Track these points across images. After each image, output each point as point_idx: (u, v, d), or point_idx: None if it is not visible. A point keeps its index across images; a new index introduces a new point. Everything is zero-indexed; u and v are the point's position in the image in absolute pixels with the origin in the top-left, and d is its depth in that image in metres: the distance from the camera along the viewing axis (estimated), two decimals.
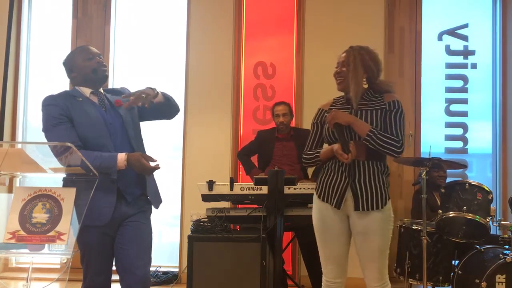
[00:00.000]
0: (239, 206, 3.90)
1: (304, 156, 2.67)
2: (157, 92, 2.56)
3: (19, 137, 5.12)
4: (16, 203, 2.09)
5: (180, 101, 4.84)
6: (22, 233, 2.05)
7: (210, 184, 3.39)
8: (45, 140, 2.43)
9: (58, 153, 2.26)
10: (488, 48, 4.99)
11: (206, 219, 3.32)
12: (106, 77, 2.59)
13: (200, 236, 3.18)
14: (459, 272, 3.54)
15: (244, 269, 3.11)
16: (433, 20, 5.02)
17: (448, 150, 4.93)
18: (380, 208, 2.46)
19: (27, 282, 2.10)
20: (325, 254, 2.59)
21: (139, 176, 2.51)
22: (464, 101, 4.95)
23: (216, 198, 3.41)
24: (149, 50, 5.20)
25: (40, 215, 2.07)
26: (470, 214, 3.45)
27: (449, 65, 4.99)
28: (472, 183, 3.57)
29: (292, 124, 4.41)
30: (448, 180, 4.13)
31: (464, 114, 4.95)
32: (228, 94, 4.87)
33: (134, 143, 2.54)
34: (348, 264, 2.61)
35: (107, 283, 2.52)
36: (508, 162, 4.83)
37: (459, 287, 3.53)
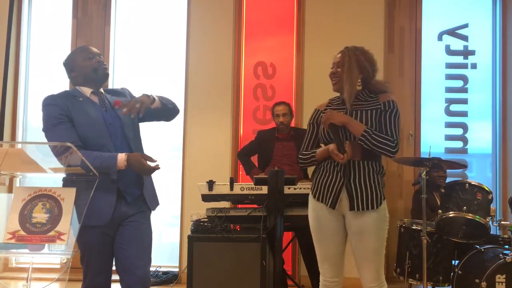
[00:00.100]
0: (239, 206, 3.90)
1: (300, 156, 2.68)
2: (154, 99, 2.55)
3: (19, 137, 5.12)
4: (16, 203, 2.09)
5: (180, 101, 4.88)
6: (22, 233, 2.05)
7: (210, 184, 3.39)
8: (45, 140, 2.43)
9: (58, 153, 2.26)
10: (488, 48, 4.99)
11: (206, 219, 3.32)
12: (107, 76, 2.59)
13: (200, 236, 3.18)
14: (459, 272, 3.54)
15: (244, 269, 3.11)
16: (433, 20, 5.02)
17: (448, 150, 4.93)
18: (375, 208, 2.46)
19: (27, 282, 2.10)
20: (321, 253, 2.60)
21: (139, 176, 2.51)
22: (464, 101, 4.95)
23: (216, 198, 3.41)
24: (149, 50, 5.20)
25: (40, 215, 2.07)
26: (470, 214, 3.45)
27: (449, 65, 4.99)
28: (472, 183, 3.57)
29: (292, 124, 4.41)
30: (448, 180, 4.13)
31: (464, 114, 4.95)
32: (228, 94, 4.87)
33: (133, 145, 2.54)
34: (346, 263, 2.61)
35: (107, 283, 2.52)
36: (508, 162, 4.83)
37: (459, 287, 3.53)
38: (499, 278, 3.34)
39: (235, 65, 4.90)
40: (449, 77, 4.99)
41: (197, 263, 3.14)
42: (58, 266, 4.70)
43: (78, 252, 2.35)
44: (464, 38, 4.99)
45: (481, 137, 4.94)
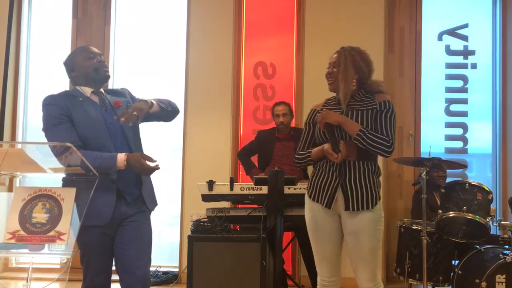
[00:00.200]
0: (239, 206, 3.90)
1: (296, 156, 2.69)
2: (152, 103, 2.54)
3: (19, 137, 5.12)
4: (16, 203, 2.09)
5: (180, 101, 4.88)
6: (22, 233, 2.05)
7: (210, 184, 3.39)
8: (45, 140, 2.43)
9: (58, 153, 2.26)
10: (488, 48, 4.99)
11: (206, 219, 3.32)
12: (108, 77, 2.59)
13: (200, 236, 3.18)
14: (459, 272, 3.54)
15: (244, 269, 3.11)
16: (433, 20, 5.02)
17: (448, 150, 4.93)
18: (370, 208, 2.47)
19: (27, 282, 2.10)
20: (318, 253, 2.61)
21: (139, 176, 2.51)
22: (464, 101, 4.95)
23: (216, 198, 3.41)
24: (149, 50, 5.20)
25: (40, 215, 2.07)
26: (470, 214, 3.45)
27: (449, 65, 4.99)
28: (472, 183, 3.57)
29: (292, 124, 4.42)
30: (448, 180, 4.13)
31: (464, 114, 4.95)
32: (228, 94, 4.87)
33: (133, 145, 2.54)
34: (345, 264, 2.62)
35: (107, 283, 2.52)
36: (508, 162, 4.83)
37: (459, 287, 3.53)
38: (499, 278, 3.34)
39: (235, 65, 4.89)
40: (449, 77, 4.99)
41: (197, 263, 3.14)
42: (58, 266, 4.70)
43: (78, 252, 2.35)
44: (464, 38, 4.99)
45: (481, 137, 4.94)
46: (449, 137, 4.95)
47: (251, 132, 4.76)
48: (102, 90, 2.60)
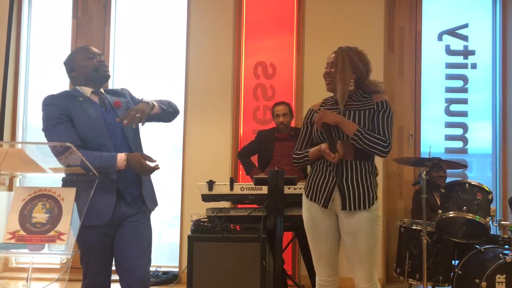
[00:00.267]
0: (239, 206, 3.90)
1: (293, 156, 2.70)
2: (153, 105, 2.55)
3: (19, 137, 5.12)
4: (16, 203, 2.09)
5: (180, 101, 4.88)
6: (22, 233, 2.05)
7: (210, 184, 3.39)
8: (45, 140, 2.43)
9: (58, 153, 2.26)
10: (488, 48, 4.99)
11: (206, 219, 3.32)
12: (108, 77, 2.59)
13: (200, 236, 3.18)
14: (459, 272, 3.54)
15: (244, 269, 3.11)
16: (433, 20, 5.02)
17: (448, 150, 4.93)
18: (367, 208, 2.47)
19: (27, 282, 2.10)
20: (316, 253, 2.62)
21: (139, 176, 2.51)
22: (464, 101, 4.95)
23: (216, 198, 3.41)
24: (149, 50, 5.20)
25: (40, 215, 2.07)
26: (470, 214, 3.45)
27: (449, 65, 4.99)
28: (472, 183, 3.57)
29: (292, 124, 4.42)
30: (448, 180, 4.13)
31: (464, 114, 4.95)
32: (228, 94, 4.87)
33: (133, 145, 2.54)
34: (343, 264, 2.62)
35: (106, 283, 2.52)
36: (508, 162, 4.83)
37: (459, 287, 3.53)
38: (499, 278, 3.34)
39: (235, 65, 4.90)
40: (449, 77, 4.99)
41: (197, 263, 3.14)
42: (58, 266, 4.70)
43: (78, 252, 2.35)
44: (464, 38, 4.99)
45: (481, 137, 4.94)
46: (449, 137, 4.95)
47: (251, 132, 4.76)
48: (102, 90, 2.60)
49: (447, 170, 4.22)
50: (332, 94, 2.66)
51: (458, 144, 4.94)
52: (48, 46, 5.23)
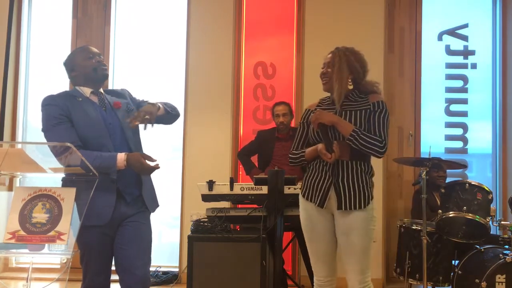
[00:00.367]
0: (239, 206, 3.90)
1: (290, 155, 2.71)
2: (159, 106, 2.57)
3: (19, 137, 5.12)
4: (16, 203, 2.09)
5: (180, 101, 4.88)
6: (22, 233, 2.05)
7: (210, 184, 3.39)
8: (45, 140, 2.43)
9: (58, 153, 2.26)
10: (488, 48, 4.99)
11: (206, 219, 3.32)
12: (106, 76, 2.59)
13: (200, 236, 3.18)
14: (459, 272, 3.54)
15: (244, 269, 3.11)
16: (433, 20, 5.02)
17: (448, 150, 4.93)
18: (362, 208, 2.48)
19: (27, 282, 2.10)
20: (313, 253, 2.62)
21: (139, 176, 2.51)
22: (464, 101, 4.95)
23: (216, 198, 3.41)
24: (149, 50, 5.20)
25: (40, 215, 2.07)
26: (470, 214, 3.45)
27: (449, 65, 4.99)
28: (472, 183, 3.57)
29: (292, 124, 4.41)
30: (448, 180, 4.13)
31: (464, 114, 4.95)
32: (228, 94, 4.87)
33: (132, 145, 2.54)
34: (341, 263, 2.61)
35: (106, 283, 2.52)
36: (508, 162, 4.83)
37: (459, 287, 3.53)
38: (499, 278, 3.34)
39: (235, 65, 4.89)
40: (449, 77, 4.99)
41: (197, 263, 3.14)
42: (58, 266, 4.70)
43: (78, 252, 2.35)
44: (464, 38, 4.99)
45: (481, 137, 4.94)
46: (449, 137, 4.95)
47: (251, 132, 4.76)
48: (101, 90, 2.60)
49: (447, 170, 4.22)
50: (329, 94, 2.66)
51: (458, 144, 4.94)
52: (48, 46, 5.23)
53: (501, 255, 3.40)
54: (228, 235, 3.16)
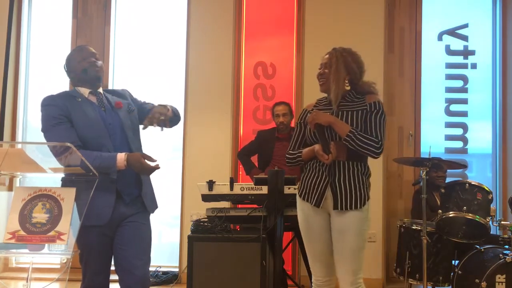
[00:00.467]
0: (239, 206, 3.90)
1: (287, 156, 2.71)
2: (168, 108, 2.58)
3: (19, 137, 5.12)
4: (16, 203, 2.09)
5: (180, 101, 4.89)
6: (22, 233, 2.05)
7: (210, 184, 3.39)
8: (45, 140, 2.43)
9: (58, 153, 2.26)
10: (488, 48, 4.99)
11: (206, 219, 3.32)
12: (98, 78, 2.55)
13: (200, 236, 3.17)
14: (459, 272, 3.54)
15: (244, 269, 3.11)
16: (433, 20, 5.02)
17: (448, 150, 4.93)
18: (358, 208, 2.48)
19: (27, 282, 2.10)
20: (311, 253, 2.64)
21: (138, 176, 2.51)
22: (464, 101, 4.95)
23: (216, 198, 3.41)
24: (149, 50, 5.20)
25: (40, 215, 2.07)
26: (470, 214, 3.45)
27: (449, 65, 4.99)
28: (472, 183, 3.57)
29: (292, 124, 4.41)
30: (448, 180, 4.13)
31: (464, 114, 4.95)
32: (228, 94, 4.87)
33: (133, 145, 2.54)
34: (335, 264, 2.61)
35: (106, 282, 2.52)
36: (508, 162, 4.83)
37: (459, 287, 3.53)
38: (499, 278, 3.34)
39: (235, 65, 4.89)
40: (449, 77, 4.99)
41: (197, 263, 3.14)
42: (58, 266, 4.70)
43: (77, 252, 2.35)
44: (464, 38, 4.99)
45: (481, 137, 4.94)
46: (449, 137, 4.95)
47: (251, 132, 4.76)
48: (100, 90, 2.60)
49: (447, 170, 4.22)
50: (326, 95, 2.67)
51: (458, 144, 4.94)
52: (48, 46, 5.23)
53: (501, 255, 3.40)
54: (228, 235, 3.16)
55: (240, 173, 4.79)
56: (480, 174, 4.94)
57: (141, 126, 2.59)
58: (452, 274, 3.61)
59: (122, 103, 2.59)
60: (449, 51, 5.00)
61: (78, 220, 2.12)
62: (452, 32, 5.01)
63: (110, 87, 4.95)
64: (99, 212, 2.35)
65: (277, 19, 4.93)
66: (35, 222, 2.06)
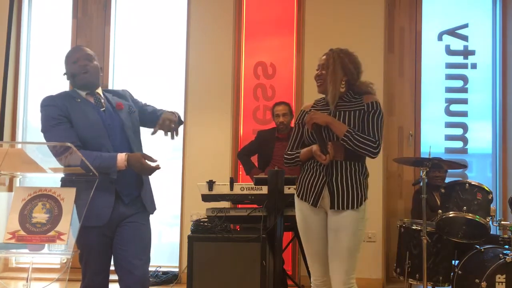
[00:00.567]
0: (239, 206, 3.90)
1: (285, 156, 2.72)
2: (176, 115, 2.61)
3: (19, 137, 5.12)
4: (16, 203, 2.09)
5: (180, 101, 4.89)
6: (22, 233, 2.05)
7: (210, 184, 3.39)
8: (44, 141, 2.43)
9: (58, 153, 2.26)
10: (488, 48, 4.99)
11: (206, 219, 3.32)
12: (87, 84, 2.51)
13: (200, 236, 3.18)
14: (459, 272, 3.54)
15: (244, 269, 3.11)
16: (433, 20, 5.02)
17: (448, 150, 4.93)
18: (355, 208, 2.48)
19: (27, 282, 2.10)
20: (310, 253, 2.64)
21: (138, 177, 2.51)
22: (464, 101, 4.95)
23: (216, 198, 3.41)
24: (149, 50, 5.20)
25: (40, 215, 2.07)
26: (470, 214, 3.45)
27: (449, 65, 4.99)
28: (472, 183, 3.57)
29: (292, 124, 4.41)
30: (448, 180, 4.12)
31: (464, 114, 4.95)
32: (228, 94, 4.87)
33: (134, 146, 2.54)
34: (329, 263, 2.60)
35: (105, 282, 2.52)
36: (508, 162, 4.83)
37: (459, 287, 3.53)
38: (499, 278, 3.34)
39: (235, 65, 4.89)
40: (449, 77, 4.99)
41: (197, 263, 3.14)
42: (58, 266, 4.70)
43: (77, 252, 2.35)
44: (464, 38, 4.99)
45: (481, 137, 4.94)
46: (449, 137, 4.95)
47: (251, 132, 4.76)
48: (99, 91, 2.58)
49: (448, 170, 4.22)
50: (324, 95, 2.67)
51: (458, 144, 4.94)
52: (48, 46, 5.23)
53: (501, 255, 3.40)
54: (228, 235, 3.16)
55: (240, 173, 4.79)
56: (480, 174, 4.94)
57: (149, 130, 2.58)
58: (452, 274, 3.61)
59: (123, 105, 2.59)
60: (449, 51, 5.00)
61: (78, 221, 2.11)
62: (452, 32, 5.01)
63: (110, 87, 4.95)
64: (99, 212, 2.35)
65: (277, 19, 4.93)
66: (35, 222, 2.06)
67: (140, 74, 5.16)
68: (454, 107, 4.95)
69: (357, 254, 2.52)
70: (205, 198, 3.40)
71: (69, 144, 2.07)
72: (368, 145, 2.46)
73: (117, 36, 5.22)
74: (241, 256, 3.12)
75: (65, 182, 2.36)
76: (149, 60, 5.19)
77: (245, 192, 3.39)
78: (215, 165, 4.74)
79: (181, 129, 4.78)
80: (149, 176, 2.58)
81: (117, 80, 5.13)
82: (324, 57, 2.61)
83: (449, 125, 4.96)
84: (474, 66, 4.96)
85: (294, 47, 4.90)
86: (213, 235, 3.16)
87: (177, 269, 4.81)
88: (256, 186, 3.38)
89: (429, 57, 4.99)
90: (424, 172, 3.41)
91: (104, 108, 2.53)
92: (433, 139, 4.91)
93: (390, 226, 4.72)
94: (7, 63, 4.92)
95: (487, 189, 3.55)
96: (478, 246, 3.58)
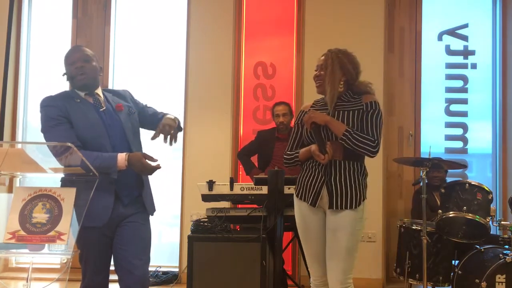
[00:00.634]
0: (239, 206, 3.90)
1: (284, 156, 2.73)
2: (176, 122, 2.63)
3: (19, 137, 5.12)
4: (16, 203, 2.09)
5: (180, 101, 4.89)
6: (22, 233, 2.05)
7: (210, 184, 3.39)
8: (44, 141, 2.43)
9: (58, 153, 2.26)
10: (488, 48, 4.99)
11: (206, 219, 3.32)
12: (84, 86, 2.51)
13: (200, 236, 3.18)
14: (459, 272, 3.54)
15: (244, 269, 3.11)
16: (433, 20, 5.02)
17: (448, 150, 4.92)
18: (353, 208, 2.48)
19: (27, 282, 2.10)
20: (309, 253, 2.64)
21: (139, 177, 2.51)
22: (464, 101, 4.95)
23: (216, 198, 3.41)
24: (149, 50, 5.19)
25: (40, 215, 2.07)
26: (470, 214, 3.45)
27: (449, 65, 4.99)
28: (472, 183, 3.57)
29: (292, 124, 4.41)
30: (448, 180, 4.13)
31: (464, 114, 4.95)
32: (228, 94, 4.87)
33: (133, 146, 2.54)
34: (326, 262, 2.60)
35: (105, 282, 2.53)
36: (508, 162, 4.83)
37: (459, 287, 3.53)
38: (499, 278, 3.34)
39: (235, 65, 4.89)
40: (449, 77, 4.99)
41: (197, 263, 3.14)
42: (58, 266, 4.70)
43: (77, 252, 2.35)
44: (464, 38, 4.99)
45: (481, 137, 4.94)
46: (449, 137, 4.95)
47: (251, 132, 4.76)
48: (98, 91, 2.58)
49: (448, 170, 4.22)
50: (323, 96, 2.67)
51: (458, 144, 4.94)
52: (48, 46, 5.23)
53: (501, 255, 3.40)
54: (228, 235, 3.16)
55: (240, 173, 4.79)
56: (480, 174, 4.94)
57: (149, 132, 2.59)
58: (452, 274, 3.61)
59: (123, 106, 2.59)
60: (449, 51, 5.00)
61: (78, 221, 2.11)
62: (452, 32, 5.01)
63: (110, 87, 4.95)
64: (98, 212, 2.35)
65: (277, 19, 4.93)
66: (35, 222, 2.06)
67: (140, 74, 5.16)
68: (454, 107, 4.95)
69: (355, 254, 2.52)
70: (205, 198, 3.40)
71: (69, 144, 2.07)
72: (367, 144, 2.46)
73: (117, 36, 5.22)
74: (241, 256, 3.12)
75: (65, 182, 2.36)
76: (149, 60, 5.19)
77: (245, 192, 3.39)
78: (215, 165, 4.74)
79: (180, 130, 4.84)
80: (149, 176, 2.58)
81: (117, 80, 5.13)
82: (323, 57, 2.62)
83: (449, 125, 4.96)
84: (474, 66, 4.96)
85: (294, 47, 4.90)
86: (213, 235, 3.16)
87: (177, 269, 4.81)
88: (256, 186, 3.38)
89: (429, 57, 4.99)
90: (424, 172, 3.41)
91: (104, 108, 2.53)
92: (433, 139, 4.91)
93: (390, 226, 4.72)
94: (7, 63, 4.92)
95: (487, 189, 3.55)
96: (478, 246, 3.58)
